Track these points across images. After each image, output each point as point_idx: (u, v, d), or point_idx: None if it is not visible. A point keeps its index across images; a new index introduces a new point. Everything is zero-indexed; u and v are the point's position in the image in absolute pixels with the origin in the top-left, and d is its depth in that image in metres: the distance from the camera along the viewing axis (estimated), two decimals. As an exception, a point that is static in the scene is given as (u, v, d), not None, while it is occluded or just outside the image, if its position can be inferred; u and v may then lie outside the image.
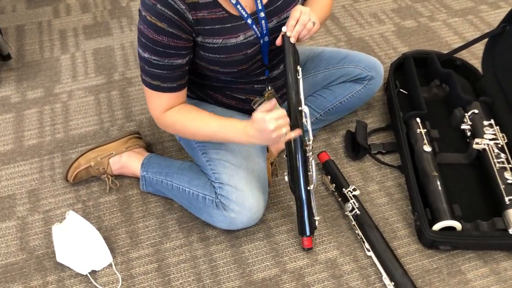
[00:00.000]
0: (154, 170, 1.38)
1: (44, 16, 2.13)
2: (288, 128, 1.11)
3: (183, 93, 1.19)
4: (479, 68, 1.68)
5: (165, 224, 1.35)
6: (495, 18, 2.06)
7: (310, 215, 1.23)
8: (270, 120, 1.06)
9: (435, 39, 1.96)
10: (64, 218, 1.32)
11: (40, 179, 1.48)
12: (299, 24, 1.13)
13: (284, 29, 1.15)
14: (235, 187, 1.21)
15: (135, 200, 1.41)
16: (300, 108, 1.19)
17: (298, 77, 1.20)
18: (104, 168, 1.42)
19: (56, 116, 1.67)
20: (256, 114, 1.09)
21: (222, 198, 1.21)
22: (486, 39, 1.62)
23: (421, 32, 1.99)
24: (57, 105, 1.71)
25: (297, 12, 1.14)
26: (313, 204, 1.24)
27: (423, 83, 1.65)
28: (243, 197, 1.21)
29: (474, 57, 1.87)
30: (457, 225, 1.23)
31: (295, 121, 1.18)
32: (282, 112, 1.09)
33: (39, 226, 1.35)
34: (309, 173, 1.23)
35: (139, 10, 1.08)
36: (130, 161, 1.43)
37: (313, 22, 1.15)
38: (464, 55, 1.83)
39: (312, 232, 1.24)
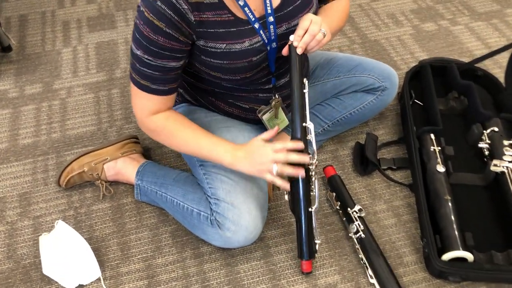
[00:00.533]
0: (149, 179, 1.31)
1: (49, 5, 2.06)
2: (285, 168, 1.05)
3: (172, 97, 1.11)
4: (502, 79, 1.57)
5: (159, 237, 1.29)
6: (521, 23, 1.94)
7: (311, 238, 1.15)
8: (268, 149, 1.03)
9: (455, 45, 1.84)
10: (53, 227, 1.26)
11: (33, 182, 1.42)
12: (308, 34, 1.04)
13: (291, 38, 1.06)
14: (232, 204, 1.13)
15: (128, 209, 1.35)
16: (304, 124, 1.11)
17: (304, 91, 1.11)
18: (98, 174, 1.36)
19: (53, 114, 1.61)
20: (255, 140, 1.04)
21: (218, 215, 1.14)
22: None
23: (441, 36, 1.88)
24: (55, 102, 1.65)
25: (307, 21, 1.05)
26: (315, 225, 1.15)
27: (440, 94, 1.55)
28: (239, 215, 1.13)
29: (497, 65, 1.75)
30: (469, 256, 1.14)
31: (301, 136, 1.10)
32: (284, 145, 1.05)
33: (28, 233, 1.30)
34: (311, 193, 1.14)
35: (138, 5, 1.00)
36: (125, 167, 1.36)
37: (324, 33, 1.05)
38: (486, 63, 1.71)
39: (311, 256, 1.16)
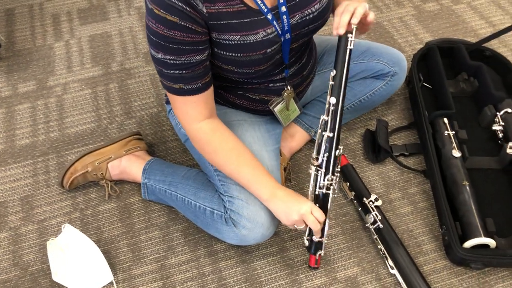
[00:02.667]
0: (156, 177, 1.26)
1: (36, -2, 1.97)
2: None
3: (210, 94, 1.04)
4: (511, 59, 1.54)
5: (170, 236, 1.25)
6: (524, 0, 1.90)
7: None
8: (307, 209, 1.03)
9: (459, 24, 1.80)
10: (60, 231, 1.21)
11: (34, 184, 1.36)
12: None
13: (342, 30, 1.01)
14: (246, 201, 1.09)
15: (136, 209, 1.30)
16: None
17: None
18: (102, 173, 1.30)
19: (50, 112, 1.55)
20: (301, 203, 1.04)
21: (232, 213, 1.10)
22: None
23: (443, 16, 1.84)
24: (51, 100, 1.58)
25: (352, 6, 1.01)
26: (326, 226, 1.10)
27: (449, 76, 1.51)
28: (255, 212, 1.09)
29: (503, 44, 1.72)
30: (491, 242, 1.11)
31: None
32: (321, 218, 1.05)
33: (34, 238, 1.25)
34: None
35: (145, 2, 0.93)
36: (130, 166, 1.31)
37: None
38: (492, 42, 1.68)
39: (315, 252, 1.13)
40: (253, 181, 1.05)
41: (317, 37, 1.37)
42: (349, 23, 1.01)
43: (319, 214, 1.04)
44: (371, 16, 1.04)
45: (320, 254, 1.13)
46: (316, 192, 1.09)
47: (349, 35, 1.02)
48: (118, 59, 1.71)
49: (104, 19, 1.86)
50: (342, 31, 1.01)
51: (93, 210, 1.30)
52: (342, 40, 1.03)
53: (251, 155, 1.07)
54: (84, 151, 1.33)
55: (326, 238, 1.11)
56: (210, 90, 1.03)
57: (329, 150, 1.06)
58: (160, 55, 0.94)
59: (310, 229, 1.10)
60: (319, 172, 1.08)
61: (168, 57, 0.94)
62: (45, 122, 1.52)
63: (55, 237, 1.20)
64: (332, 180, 1.07)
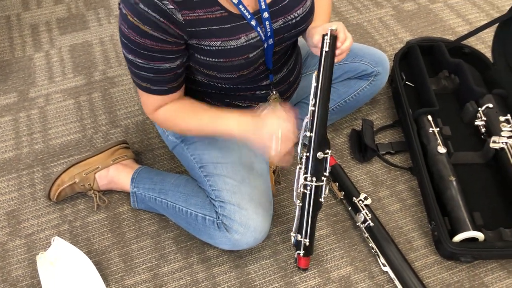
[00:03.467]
0: (145, 186, 1.25)
1: (12, 9, 1.94)
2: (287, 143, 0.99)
3: (177, 94, 1.05)
4: (488, 55, 1.58)
5: (161, 244, 1.24)
6: (498, -3, 1.95)
7: (312, 234, 1.12)
8: (276, 119, 0.98)
9: (437, 23, 1.84)
10: (49, 244, 1.20)
11: (20, 198, 1.34)
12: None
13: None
14: (238, 205, 1.09)
15: (126, 218, 1.29)
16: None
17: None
18: (90, 184, 1.29)
19: (33, 124, 1.52)
20: (269, 117, 1.00)
21: (224, 218, 1.10)
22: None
23: (422, 15, 1.87)
24: (34, 112, 1.56)
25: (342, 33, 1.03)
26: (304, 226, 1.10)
27: (430, 73, 1.54)
28: (247, 216, 1.09)
29: (480, 41, 1.76)
30: (480, 235, 1.14)
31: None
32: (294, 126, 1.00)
33: (22, 253, 1.23)
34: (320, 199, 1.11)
35: (119, 5, 0.93)
36: (118, 175, 1.30)
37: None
38: (469, 39, 1.71)
39: (310, 253, 1.13)
40: (216, 123, 1.04)
41: (301, 39, 1.38)
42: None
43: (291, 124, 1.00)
44: (348, 42, 1.03)
45: (298, 254, 1.13)
46: (298, 191, 1.09)
47: (325, 37, 1.02)
48: (100, 68, 1.69)
49: (84, 28, 1.85)
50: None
51: (82, 222, 1.29)
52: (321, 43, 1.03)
53: (209, 107, 1.08)
54: (71, 162, 1.32)
55: (306, 240, 1.10)
56: (177, 92, 1.05)
57: (308, 149, 1.06)
58: (130, 56, 0.96)
59: (298, 226, 1.10)
60: (301, 171, 1.09)
61: (138, 60, 0.95)
62: (29, 134, 1.49)
63: (45, 251, 1.18)
64: (311, 181, 1.06)
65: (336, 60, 1.04)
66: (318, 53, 1.05)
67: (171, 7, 0.89)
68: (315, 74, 1.04)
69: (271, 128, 0.99)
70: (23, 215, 1.30)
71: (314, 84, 1.04)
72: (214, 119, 1.05)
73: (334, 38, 1.01)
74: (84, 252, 1.18)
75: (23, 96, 1.61)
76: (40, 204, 1.33)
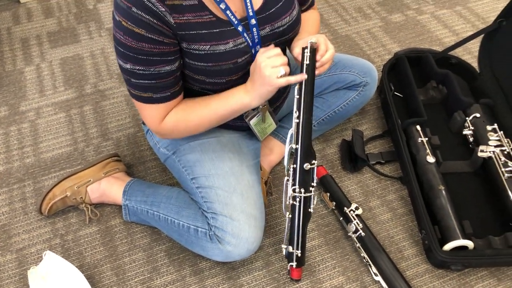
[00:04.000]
0: (137, 198, 1.25)
1: (3, 23, 1.94)
2: (286, 68, 0.99)
3: (179, 100, 1.06)
4: (475, 65, 1.61)
5: (154, 257, 1.24)
6: (483, 8, 1.98)
7: (303, 245, 1.12)
8: (262, 57, 0.97)
9: (424, 34, 1.87)
10: (40, 259, 1.19)
11: (11, 212, 1.33)
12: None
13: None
14: (230, 217, 1.10)
15: (118, 231, 1.29)
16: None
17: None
18: (82, 197, 1.29)
19: (24, 138, 1.52)
20: (252, 65, 1.00)
21: (216, 230, 1.10)
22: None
23: (409, 27, 1.90)
24: (25, 125, 1.56)
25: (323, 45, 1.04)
26: (295, 237, 1.11)
27: (418, 84, 1.56)
28: (239, 227, 1.10)
29: (467, 52, 1.79)
30: (469, 244, 1.15)
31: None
32: (277, 50, 0.99)
33: (13, 268, 1.22)
34: (309, 210, 1.12)
35: (113, 14, 0.94)
36: (110, 188, 1.30)
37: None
38: (457, 50, 1.75)
39: (302, 264, 1.14)
40: (228, 104, 1.04)
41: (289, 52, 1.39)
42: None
43: (270, 53, 0.99)
44: (328, 54, 1.04)
45: (291, 265, 1.14)
46: (287, 202, 1.10)
47: (305, 50, 1.03)
48: (92, 81, 1.70)
49: (75, 42, 1.85)
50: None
51: (74, 235, 1.28)
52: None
53: (207, 96, 1.08)
54: (62, 175, 1.32)
55: (298, 251, 1.11)
56: (179, 98, 1.06)
57: (294, 161, 1.07)
58: (128, 66, 0.95)
59: (288, 237, 1.11)
60: (289, 182, 1.10)
61: (137, 67, 0.95)
62: (19, 148, 1.49)
63: (36, 265, 1.17)
64: (300, 192, 1.07)
65: (317, 72, 1.04)
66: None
67: (163, 9, 0.90)
68: (297, 87, 1.05)
69: (261, 62, 0.98)
70: (14, 229, 1.30)
71: (296, 96, 1.05)
72: (222, 100, 1.05)
73: (314, 50, 1.02)
74: (76, 266, 1.17)
75: (14, 109, 1.61)
76: (31, 218, 1.32)
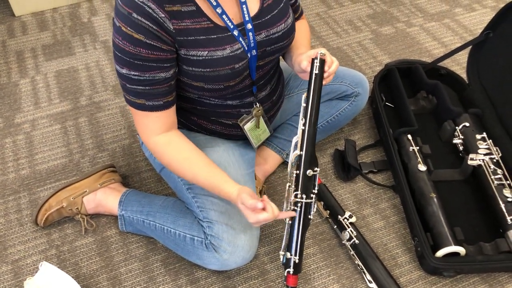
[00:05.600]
0: (133, 208, 1.26)
1: (-2, 36, 1.96)
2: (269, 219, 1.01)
3: (171, 111, 1.07)
4: (463, 76, 1.65)
5: (150, 267, 1.24)
6: (471, 21, 2.03)
7: (301, 252, 1.13)
8: (252, 219, 1.01)
9: (414, 46, 1.91)
10: (36, 270, 1.19)
11: (6, 224, 1.34)
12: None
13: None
14: (226, 225, 1.11)
15: (114, 242, 1.30)
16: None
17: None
18: (78, 208, 1.30)
19: (19, 149, 1.53)
20: (241, 205, 1.01)
21: (212, 238, 1.12)
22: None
23: (399, 39, 1.94)
24: (20, 137, 1.56)
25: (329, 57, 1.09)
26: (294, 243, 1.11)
27: (409, 94, 1.59)
28: (234, 236, 1.11)
29: (455, 63, 1.83)
30: (461, 250, 1.17)
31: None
32: (267, 216, 0.99)
33: (8, 280, 1.22)
34: (309, 216, 1.13)
35: (113, 20, 0.96)
36: (106, 199, 1.31)
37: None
38: (446, 62, 1.79)
39: (298, 271, 1.15)
40: (211, 188, 1.06)
41: (283, 63, 1.42)
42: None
43: (264, 216, 0.99)
44: (334, 66, 1.09)
45: (288, 272, 1.14)
46: (288, 208, 1.12)
47: (315, 60, 1.07)
48: (87, 93, 1.71)
49: (70, 54, 1.87)
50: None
51: (70, 246, 1.29)
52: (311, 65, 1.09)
53: (206, 162, 1.07)
54: (58, 186, 1.32)
55: (296, 257, 1.11)
56: (172, 109, 1.07)
57: (297, 167, 1.10)
58: (124, 71, 0.97)
59: (287, 243, 1.12)
60: (291, 188, 1.11)
61: (133, 72, 0.97)
62: (15, 160, 1.50)
63: (32, 276, 1.18)
64: (301, 198, 1.08)
65: (324, 82, 1.09)
66: (306, 78, 1.10)
67: (162, 15, 0.93)
68: (304, 95, 1.09)
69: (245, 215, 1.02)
70: (9, 240, 1.30)
71: (303, 104, 1.09)
72: (210, 184, 1.06)
73: (322, 61, 1.07)
74: (72, 277, 1.18)
75: (9, 122, 1.61)
76: (27, 229, 1.32)
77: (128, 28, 0.92)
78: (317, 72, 1.07)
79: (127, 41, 0.93)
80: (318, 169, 1.10)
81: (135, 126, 1.08)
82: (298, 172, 1.09)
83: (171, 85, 1.03)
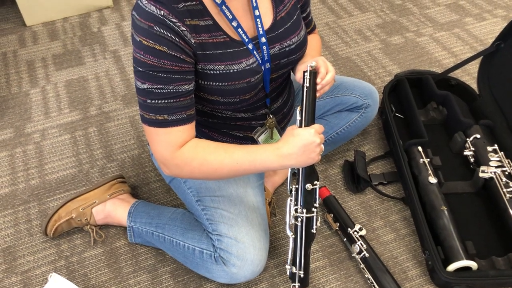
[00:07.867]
0: (142, 220, 1.26)
1: (9, 46, 1.98)
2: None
3: (193, 126, 1.03)
4: (474, 86, 1.63)
5: (159, 278, 1.24)
6: (481, 31, 2.02)
7: (307, 265, 1.13)
8: (315, 134, 1.00)
9: (424, 55, 1.90)
10: (45, 281, 1.19)
11: (16, 234, 1.34)
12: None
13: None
14: (235, 239, 1.11)
15: (123, 253, 1.30)
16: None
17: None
18: (87, 219, 1.30)
19: (29, 159, 1.54)
20: (297, 130, 1.00)
21: (222, 252, 1.11)
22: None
23: (409, 48, 1.93)
24: (30, 147, 1.57)
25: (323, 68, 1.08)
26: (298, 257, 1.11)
27: (419, 105, 1.58)
28: (244, 249, 1.10)
29: (466, 73, 1.82)
30: (473, 264, 1.16)
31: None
32: (319, 126, 1.02)
33: (18, 290, 1.22)
34: (312, 230, 1.12)
35: (132, 36, 0.96)
36: (115, 210, 1.31)
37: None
38: (456, 72, 1.78)
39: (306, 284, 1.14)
40: (253, 160, 1.01)
41: (293, 75, 1.42)
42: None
43: (318, 128, 1.02)
44: (329, 76, 1.08)
45: (294, 286, 1.13)
46: (290, 222, 1.11)
47: (305, 73, 1.06)
48: (96, 103, 1.72)
49: (80, 64, 1.88)
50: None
51: (79, 257, 1.29)
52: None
53: (233, 144, 1.07)
54: (67, 197, 1.33)
55: (301, 272, 1.10)
56: (194, 124, 1.04)
57: (297, 182, 1.08)
58: (146, 85, 0.95)
59: (292, 258, 1.11)
60: (291, 202, 1.10)
61: (156, 86, 0.94)
62: (25, 170, 1.50)
63: (41, 287, 1.18)
64: (302, 212, 1.07)
65: (318, 94, 1.08)
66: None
67: (184, 29, 0.93)
68: (298, 108, 1.07)
69: (314, 140, 1.00)
70: (19, 251, 1.30)
71: (298, 118, 1.07)
72: (248, 154, 1.01)
73: (314, 74, 1.06)
74: (81, 288, 1.18)
75: (19, 131, 1.62)
76: (36, 240, 1.33)
77: (150, 41, 0.92)
78: (307, 85, 1.06)
79: (150, 54, 0.93)
80: (318, 182, 1.08)
81: (152, 149, 1.02)
82: (297, 186, 1.08)
83: (192, 98, 1.01)
